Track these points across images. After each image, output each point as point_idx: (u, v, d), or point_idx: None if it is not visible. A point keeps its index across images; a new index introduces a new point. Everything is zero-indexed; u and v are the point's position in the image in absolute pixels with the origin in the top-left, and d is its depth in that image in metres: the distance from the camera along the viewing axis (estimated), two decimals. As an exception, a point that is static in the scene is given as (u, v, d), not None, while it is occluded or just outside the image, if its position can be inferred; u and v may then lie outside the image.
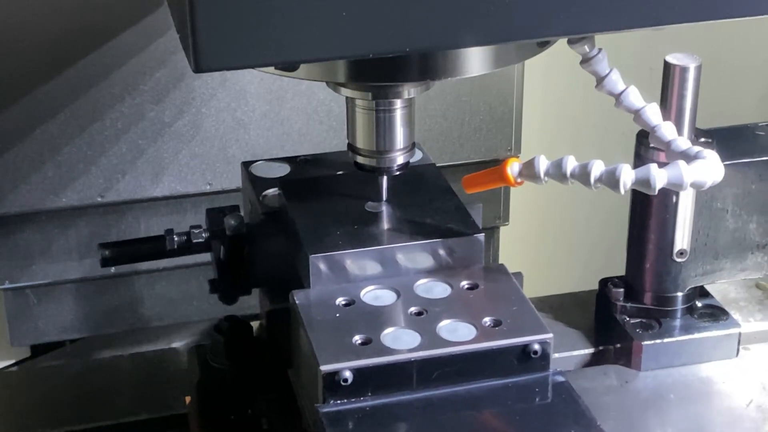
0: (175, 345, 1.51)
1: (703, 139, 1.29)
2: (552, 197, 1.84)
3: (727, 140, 1.31)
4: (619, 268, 1.38)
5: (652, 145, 1.23)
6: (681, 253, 1.32)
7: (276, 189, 1.28)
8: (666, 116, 1.28)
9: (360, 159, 1.21)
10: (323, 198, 1.24)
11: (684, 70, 1.26)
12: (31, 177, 1.65)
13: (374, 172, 1.21)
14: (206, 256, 1.67)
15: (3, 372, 1.43)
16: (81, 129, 1.64)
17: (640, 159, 1.28)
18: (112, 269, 1.73)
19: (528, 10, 0.97)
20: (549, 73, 1.79)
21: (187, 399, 1.30)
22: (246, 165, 1.34)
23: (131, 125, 1.66)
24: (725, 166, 1.26)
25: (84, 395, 1.34)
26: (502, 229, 1.86)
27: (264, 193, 1.29)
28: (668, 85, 1.27)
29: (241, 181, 1.35)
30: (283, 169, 1.33)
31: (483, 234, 1.19)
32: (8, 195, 1.65)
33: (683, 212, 1.30)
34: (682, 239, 1.31)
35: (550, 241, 2.19)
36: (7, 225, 1.69)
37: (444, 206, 1.23)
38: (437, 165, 1.34)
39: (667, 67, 1.27)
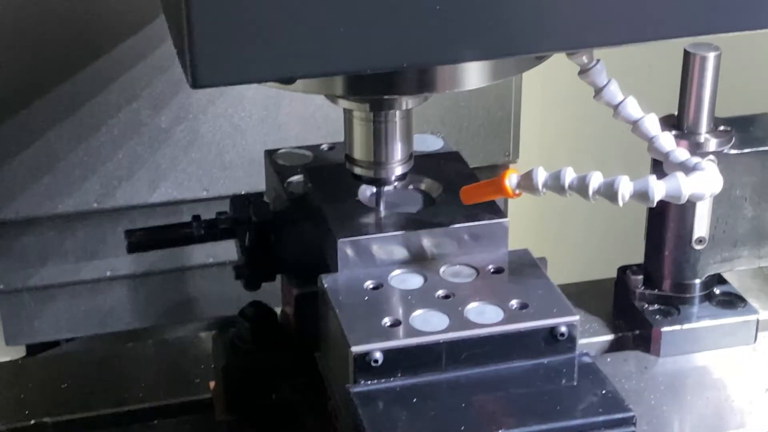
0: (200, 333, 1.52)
1: (722, 128, 1.31)
2: (549, 197, 1.86)
3: (746, 128, 1.33)
4: (633, 257, 1.39)
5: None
6: (700, 240, 1.33)
7: (300, 176, 1.29)
8: (685, 106, 1.30)
9: (357, 170, 1.21)
10: (348, 184, 1.25)
11: (704, 59, 1.27)
12: (28, 183, 1.66)
13: (372, 183, 1.22)
14: (204, 258, 1.70)
15: (31, 358, 1.45)
16: (78, 135, 1.65)
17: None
18: (108, 272, 1.74)
19: (525, 25, 0.98)
20: (547, 78, 1.80)
21: (211, 384, 1.30)
22: (269, 153, 1.35)
23: (128, 132, 1.66)
24: (744, 154, 1.29)
25: (108, 380, 1.34)
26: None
27: (288, 180, 1.30)
28: (688, 75, 1.29)
29: (265, 170, 1.36)
30: (306, 157, 1.34)
31: (507, 219, 1.20)
32: (5, 201, 1.66)
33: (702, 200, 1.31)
34: (701, 227, 1.33)
35: (559, 233, 2.21)
36: (4, 230, 1.70)
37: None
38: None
39: (687, 56, 1.28)
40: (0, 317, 1.76)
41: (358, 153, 1.20)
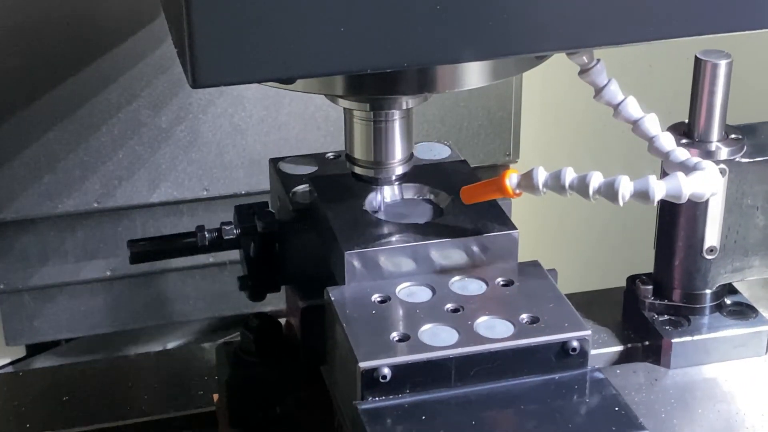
0: (194, 341, 1.51)
1: (733, 136, 1.29)
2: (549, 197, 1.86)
3: (758, 136, 1.31)
4: (644, 266, 1.38)
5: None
6: (711, 250, 1.31)
7: (306, 185, 1.28)
8: (696, 113, 1.28)
9: (358, 169, 1.20)
10: (354, 194, 1.23)
11: (715, 66, 1.26)
12: (28, 184, 1.65)
13: (372, 182, 1.20)
14: (205, 258, 1.69)
15: (31, 370, 1.44)
16: (78, 135, 1.65)
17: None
18: (107, 272, 1.73)
19: (526, 25, 0.97)
20: (547, 77, 1.79)
21: (215, 397, 1.29)
22: (274, 162, 1.33)
23: (128, 131, 1.66)
24: (756, 162, 1.27)
25: (110, 392, 1.33)
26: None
27: (294, 190, 1.28)
28: (699, 82, 1.27)
29: (269, 178, 1.34)
30: (311, 166, 1.32)
31: (517, 231, 1.19)
32: (5, 201, 1.65)
33: (713, 209, 1.29)
34: (711, 236, 1.31)
35: (568, 242, 2.19)
36: (4, 230, 1.69)
37: (478, 203, 1.22)
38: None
39: (698, 63, 1.26)
40: (0, 317, 1.75)
41: (358, 152, 1.20)
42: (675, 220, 1.31)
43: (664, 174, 1.24)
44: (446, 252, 1.17)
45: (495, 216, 1.20)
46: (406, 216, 1.21)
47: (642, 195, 1.09)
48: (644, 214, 1.38)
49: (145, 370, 1.38)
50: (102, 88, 1.62)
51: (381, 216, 1.21)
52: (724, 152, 1.27)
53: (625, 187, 1.09)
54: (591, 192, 1.09)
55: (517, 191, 1.14)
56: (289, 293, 1.31)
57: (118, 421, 1.29)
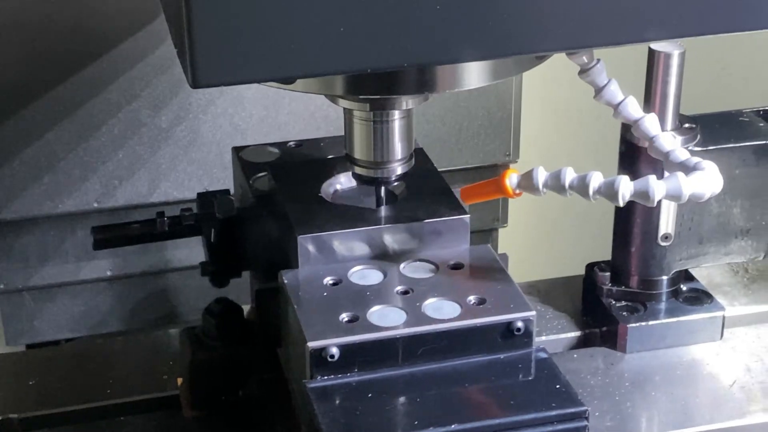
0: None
1: (687, 125, 1.31)
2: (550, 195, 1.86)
3: (712, 126, 1.33)
4: (604, 254, 1.40)
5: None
6: (666, 237, 1.33)
7: (266, 173, 1.30)
8: (650, 102, 1.30)
9: (358, 170, 1.21)
10: (312, 182, 1.25)
11: (668, 56, 1.28)
12: (28, 183, 1.66)
13: (372, 183, 1.22)
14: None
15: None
16: (78, 135, 1.65)
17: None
18: (108, 272, 1.74)
19: (526, 25, 0.98)
20: (548, 77, 1.80)
21: (179, 380, 1.31)
22: (237, 150, 1.36)
23: (128, 131, 1.67)
24: (709, 151, 1.29)
25: (77, 376, 1.35)
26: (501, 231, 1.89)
27: (254, 177, 1.30)
28: (652, 72, 1.29)
29: (232, 166, 1.36)
30: (273, 154, 1.34)
31: (468, 215, 1.21)
32: (5, 201, 1.66)
33: (668, 197, 1.31)
34: (666, 223, 1.33)
35: (547, 238, 2.20)
36: (4, 230, 1.70)
37: (431, 188, 1.25)
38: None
39: (651, 54, 1.28)
40: (0, 317, 1.77)
41: (358, 152, 1.21)
42: (631, 208, 1.33)
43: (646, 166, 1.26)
44: (398, 236, 1.19)
45: (447, 201, 1.22)
46: (361, 201, 1.23)
47: (642, 195, 1.11)
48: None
49: (112, 354, 1.40)
50: (102, 88, 1.63)
51: (335, 201, 1.23)
52: (678, 141, 1.29)
53: (626, 187, 1.10)
54: (591, 192, 1.11)
55: (517, 191, 1.16)
56: (252, 279, 1.34)
57: (84, 404, 1.31)
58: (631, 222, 1.34)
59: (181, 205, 1.67)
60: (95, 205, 1.69)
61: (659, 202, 1.28)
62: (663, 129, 1.29)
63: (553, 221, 2.17)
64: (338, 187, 1.24)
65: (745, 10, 1.03)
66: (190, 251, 1.72)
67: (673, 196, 1.11)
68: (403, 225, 1.19)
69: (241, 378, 1.27)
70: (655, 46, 1.28)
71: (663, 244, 1.34)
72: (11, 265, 1.72)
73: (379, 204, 1.22)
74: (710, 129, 1.32)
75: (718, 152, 1.30)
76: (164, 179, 1.70)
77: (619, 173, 1.28)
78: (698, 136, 1.30)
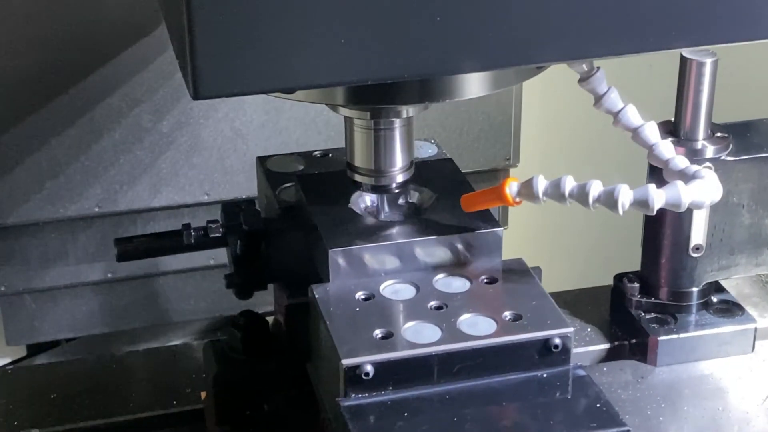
0: (189, 341, 1.51)
1: (719, 134, 1.29)
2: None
3: (744, 135, 1.31)
4: (631, 264, 1.38)
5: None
6: (697, 248, 1.32)
7: (292, 183, 1.28)
8: (682, 112, 1.29)
9: (358, 177, 1.20)
10: (340, 192, 1.23)
11: (701, 65, 1.26)
12: (31, 188, 1.66)
13: (372, 191, 1.21)
14: (203, 260, 1.70)
15: (20, 367, 1.44)
16: (79, 141, 1.65)
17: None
18: (108, 275, 1.73)
19: (525, 36, 0.97)
20: (547, 82, 1.79)
21: (203, 394, 1.29)
22: (261, 160, 1.34)
23: (130, 137, 1.66)
24: (741, 161, 1.27)
25: (98, 390, 1.33)
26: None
27: (280, 188, 1.28)
28: (684, 80, 1.28)
29: (257, 176, 1.34)
30: (299, 164, 1.33)
31: (502, 229, 1.19)
32: (8, 206, 1.66)
33: (699, 207, 1.29)
34: (697, 234, 1.31)
35: (556, 240, 2.19)
36: (6, 234, 1.69)
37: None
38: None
39: (683, 62, 1.27)
40: (1, 318, 1.76)
41: (358, 160, 1.20)
42: (661, 219, 1.31)
43: (651, 178, 1.24)
44: (430, 250, 1.18)
45: (480, 213, 1.20)
46: (393, 214, 1.21)
47: (642, 204, 1.10)
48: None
49: (134, 368, 1.38)
50: (104, 93, 1.63)
51: (367, 214, 1.21)
52: (710, 150, 1.28)
53: (625, 195, 1.09)
54: (591, 201, 1.10)
55: (517, 200, 1.15)
56: (276, 291, 1.32)
57: (106, 419, 1.29)
58: (661, 233, 1.32)
59: (183, 210, 1.69)
60: (96, 210, 1.69)
61: (690, 212, 1.28)
62: (695, 138, 1.29)
63: (554, 222, 2.16)
64: (367, 199, 1.22)
65: (746, 20, 1.02)
66: (191, 253, 1.71)
67: (673, 205, 1.11)
68: (435, 238, 1.18)
69: (267, 393, 1.25)
70: (687, 53, 1.26)
71: (694, 255, 1.32)
72: (12, 268, 1.72)
73: (379, 213, 1.21)
74: (742, 138, 1.31)
75: (750, 162, 1.29)
76: (165, 184, 1.70)
77: (648, 182, 1.27)
78: (731, 146, 1.29)
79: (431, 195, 1.23)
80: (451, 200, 1.22)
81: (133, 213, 1.71)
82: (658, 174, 1.26)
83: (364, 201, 1.23)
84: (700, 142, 1.28)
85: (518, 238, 1.85)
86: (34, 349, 1.90)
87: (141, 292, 1.79)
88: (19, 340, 1.79)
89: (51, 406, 1.31)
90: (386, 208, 1.22)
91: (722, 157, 1.28)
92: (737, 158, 1.28)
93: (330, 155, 1.35)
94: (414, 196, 1.24)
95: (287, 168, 1.32)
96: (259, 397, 1.25)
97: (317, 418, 1.19)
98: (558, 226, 2.13)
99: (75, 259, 1.73)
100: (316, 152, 1.35)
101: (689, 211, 1.29)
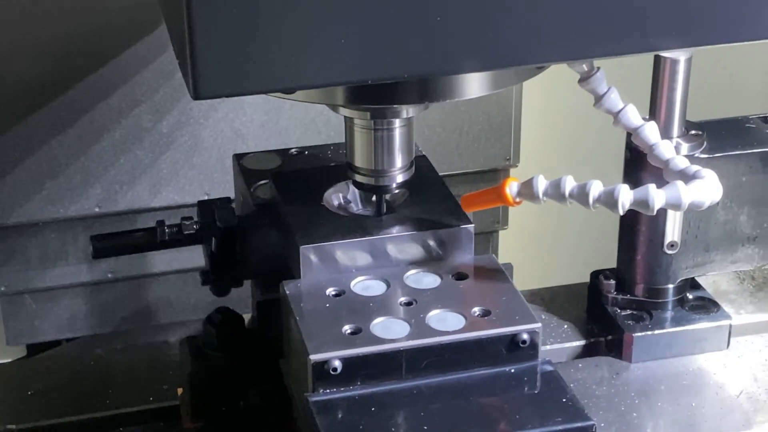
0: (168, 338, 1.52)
1: (693, 132, 1.30)
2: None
3: (718, 132, 1.32)
4: (608, 261, 1.38)
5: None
6: (672, 245, 1.32)
7: (268, 181, 1.29)
8: (656, 109, 1.29)
9: (359, 178, 1.21)
10: (314, 190, 1.24)
11: (674, 62, 1.26)
12: (31, 188, 1.66)
13: (373, 191, 1.21)
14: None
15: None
16: (80, 141, 1.65)
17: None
18: (108, 275, 1.74)
19: (526, 36, 0.98)
20: (548, 82, 1.79)
21: (179, 390, 1.30)
22: (238, 157, 1.34)
23: (130, 137, 1.67)
24: (716, 158, 1.28)
25: (75, 386, 1.34)
26: (501, 233, 1.88)
27: (255, 185, 1.29)
28: (659, 78, 1.28)
29: (233, 174, 1.35)
30: (275, 162, 1.33)
31: (473, 225, 1.19)
32: (8, 206, 1.66)
33: (674, 204, 1.30)
34: (672, 231, 1.31)
35: (549, 242, 2.19)
36: (6, 234, 1.70)
37: (434, 197, 1.23)
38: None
39: (657, 60, 1.27)
40: (1, 318, 1.76)
41: (358, 161, 1.20)
42: (637, 216, 1.31)
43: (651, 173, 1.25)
44: (402, 246, 1.18)
45: (451, 210, 1.21)
46: (363, 211, 1.22)
47: (642, 204, 1.11)
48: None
49: (111, 364, 1.39)
50: (104, 93, 1.63)
51: (340, 211, 1.22)
52: (684, 148, 1.28)
53: (625, 195, 1.10)
54: (591, 201, 1.11)
55: (518, 200, 1.16)
56: (252, 288, 1.32)
57: (83, 415, 1.29)
58: (636, 230, 1.33)
59: (183, 210, 1.69)
60: (97, 210, 1.69)
61: (666, 210, 1.28)
62: (669, 136, 1.29)
63: (554, 223, 2.16)
64: (341, 195, 1.23)
65: (745, 20, 1.02)
66: (191, 254, 1.69)
67: (673, 205, 1.11)
68: (406, 235, 1.18)
69: (242, 388, 1.26)
70: (662, 51, 1.27)
71: (669, 252, 1.32)
72: (12, 268, 1.72)
73: (379, 212, 1.21)
74: (716, 135, 1.31)
75: (724, 159, 1.29)
76: (165, 184, 1.70)
77: (624, 180, 1.27)
78: (705, 143, 1.29)
79: (404, 192, 1.24)
80: (424, 197, 1.23)
81: (133, 213, 1.71)
82: (634, 171, 1.28)
83: (338, 198, 1.23)
84: (675, 140, 1.28)
85: (518, 238, 1.85)
86: (34, 349, 1.89)
87: (141, 292, 1.80)
88: (19, 340, 1.79)
89: (28, 401, 1.31)
90: (359, 204, 1.22)
91: (696, 155, 1.28)
92: (711, 155, 1.29)
93: (306, 152, 1.35)
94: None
95: (263, 165, 1.32)
96: (234, 393, 1.25)
97: (292, 413, 1.19)
98: (557, 226, 2.13)
99: (75, 259, 1.73)
100: (293, 149, 1.36)
101: (664, 209, 1.29)
